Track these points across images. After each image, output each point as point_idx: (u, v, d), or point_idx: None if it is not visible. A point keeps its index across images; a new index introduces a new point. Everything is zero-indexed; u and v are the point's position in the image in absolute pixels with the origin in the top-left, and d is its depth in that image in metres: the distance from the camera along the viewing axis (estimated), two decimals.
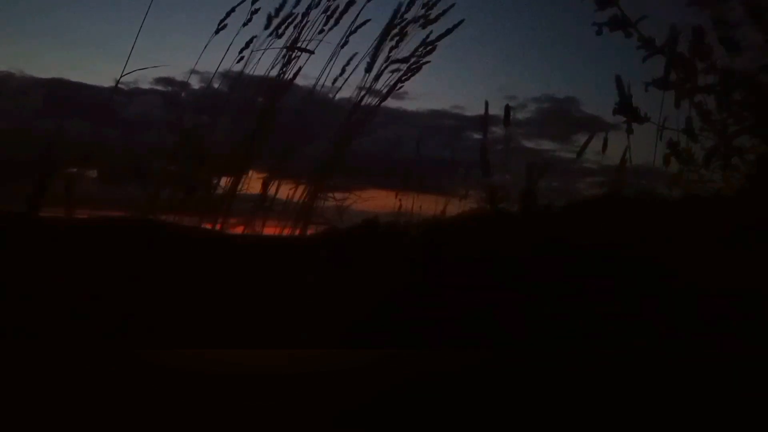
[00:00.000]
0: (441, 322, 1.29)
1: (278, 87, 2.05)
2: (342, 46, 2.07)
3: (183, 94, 2.12)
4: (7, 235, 1.43)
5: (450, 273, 1.47)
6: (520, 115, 2.76)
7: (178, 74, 2.20)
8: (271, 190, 2.06)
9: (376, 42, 2.07)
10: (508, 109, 2.11)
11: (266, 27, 1.99)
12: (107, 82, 2.04)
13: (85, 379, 0.85)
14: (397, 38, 2.08)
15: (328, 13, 2.04)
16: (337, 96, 2.15)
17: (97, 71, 3.67)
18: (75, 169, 1.93)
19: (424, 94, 3.00)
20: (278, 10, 2.00)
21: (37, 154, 1.78)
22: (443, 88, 3.35)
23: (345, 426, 0.76)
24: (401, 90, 2.17)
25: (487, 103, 2.09)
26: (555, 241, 1.59)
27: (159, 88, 2.25)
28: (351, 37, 2.07)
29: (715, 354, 1.13)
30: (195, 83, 2.18)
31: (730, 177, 1.73)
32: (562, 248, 1.54)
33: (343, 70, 2.10)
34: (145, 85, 2.25)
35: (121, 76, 1.85)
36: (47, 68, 4.02)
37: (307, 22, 2.03)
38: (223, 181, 2.03)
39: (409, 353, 1.12)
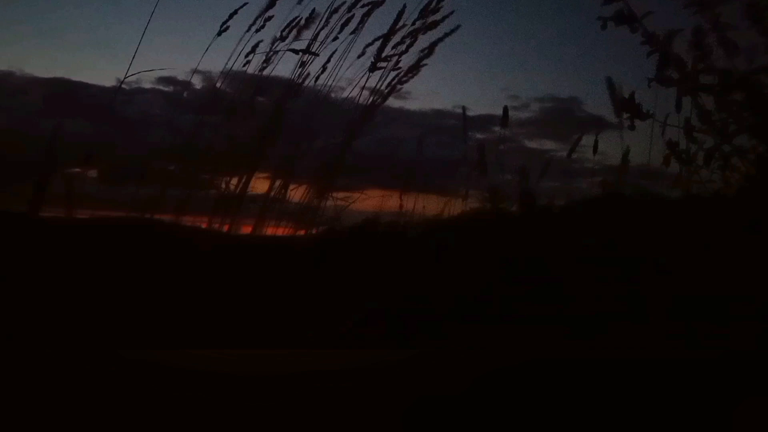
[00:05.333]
0: (440, 322, 1.29)
1: (290, 89, 2.06)
2: (319, 37, 2.06)
3: (185, 94, 2.12)
4: (7, 235, 1.43)
5: (450, 272, 1.48)
6: (523, 115, 2.76)
7: (180, 74, 2.20)
8: (277, 191, 2.05)
9: (378, 44, 2.06)
10: (506, 110, 2.22)
11: (281, 35, 2.00)
12: (108, 82, 2.04)
13: (85, 379, 0.85)
14: (398, 42, 2.08)
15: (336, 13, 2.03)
16: (339, 97, 2.15)
17: (98, 71, 3.67)
18: (75, 169, 1.92)
19: (427, 93, 2.99)
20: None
21: (37, 154, 1.78)
22: (446, 87, 3.34)
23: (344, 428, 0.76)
24: (403, 90, 2.17)
25: (464, 108, 2.25)
26: (554, 240, 1.59)
27: (161, 87, 2.25)
28: (355, 40, 2.07)
29: (715, 354, 1.14)
30: (198, 83, 2.17)
31: (729, 177, 1.73)
32: (562, 248, 1.54)
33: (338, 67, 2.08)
34: (147, 85, 2.25)
35: (125, 78, 1.85)
36: (47, 68, 4.02)
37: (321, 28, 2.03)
38: (229, 182, 2.02)
39: (409, 353, 1.12)
